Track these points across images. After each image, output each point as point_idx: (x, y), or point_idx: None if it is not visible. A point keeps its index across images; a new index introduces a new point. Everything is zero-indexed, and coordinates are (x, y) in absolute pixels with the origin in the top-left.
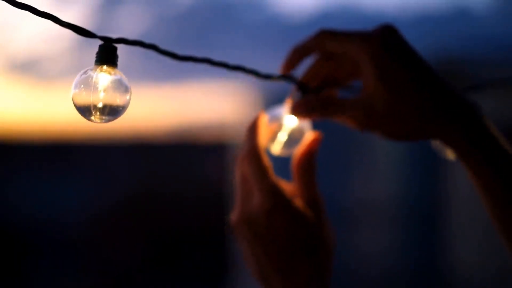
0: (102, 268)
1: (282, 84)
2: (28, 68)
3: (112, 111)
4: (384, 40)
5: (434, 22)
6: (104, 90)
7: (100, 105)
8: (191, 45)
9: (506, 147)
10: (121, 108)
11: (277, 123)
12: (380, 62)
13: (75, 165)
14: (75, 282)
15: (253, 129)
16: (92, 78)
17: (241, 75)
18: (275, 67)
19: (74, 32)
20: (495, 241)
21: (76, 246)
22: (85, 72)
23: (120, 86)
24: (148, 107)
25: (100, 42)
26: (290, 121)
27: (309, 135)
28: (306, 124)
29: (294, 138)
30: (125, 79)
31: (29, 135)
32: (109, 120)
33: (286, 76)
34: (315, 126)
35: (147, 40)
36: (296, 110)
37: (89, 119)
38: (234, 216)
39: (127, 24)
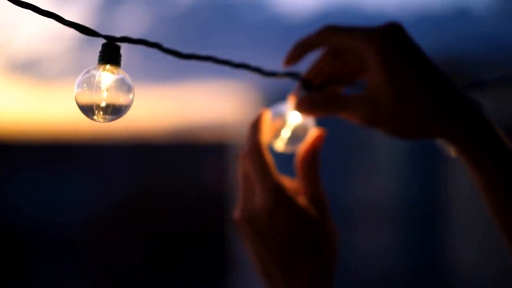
0: (102, 268)
1: (282, 84)
2: (28, 68)
3: (115, 111)
4: (390, 37)
5: (434, 22)
6: (107, 90)
7: (103, 104)
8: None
9: (509, 146)
10: (124, 108)
11: (281, 120)
12: (386, 59)
13: (75, 165)
14: (75, 282)
15: (255, 126)
16: (95, 77)
17: (241, 75)
18: (275, 67)
19: (77, 31)
20: (495, 241)
21: (76, 246)
22: (88, 71)
23: (123, 86)
24: (148, 107)
25: (103, 41)
26: (293, 118)
27: (313, 132)
28: (310, 120)
29: (297, 135)
30: (128, 78)
31: (29, 135)
32: (112, 120)
33: (290, 74)
34: (315, 125)
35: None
36: (300, 107)
37: (92, 119)
38: (236, 213)
39: (127, 24)
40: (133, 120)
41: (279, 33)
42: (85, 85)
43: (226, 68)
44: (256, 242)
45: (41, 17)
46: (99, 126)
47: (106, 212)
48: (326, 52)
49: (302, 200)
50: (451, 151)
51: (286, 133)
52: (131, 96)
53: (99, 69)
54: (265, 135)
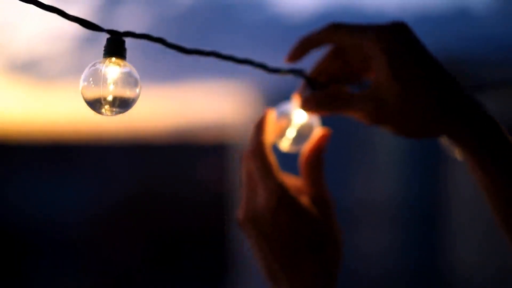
0: (102, 268)
1: (283, 84)
2: (28, 68)
3: (122, 104)
4: (396, 35)
5: (434, 22)
6: (114, 83)
7: (110, 97)
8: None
9: None
10: (131, 101)
11: (286, 119)
12: (392, 56)
13: (75, 165)
14: (75, 282)
15: (259, 126)
16: (101, 70)
17: (241, 75)
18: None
19: (81, 25)
20: (495, 241)
21: (76, 246)
22: (93, 65)
23: (130, 78)
24: (148, 107)
25: (103, 39)
26: (298, 117)
27: (318, 131)
28: (315, 120)
29: (302, 134)
30: (135, 72)
31: (29, 135)
32: (119, 113)
33: (294, 71)
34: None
35: (148, 43)
36: (306, 105)
37: (99, 112)
38: (239, 214)
39: (127, 24)
40: (133, 120)
41: (279, 33)
42: (91, 78)
43: (226, 68)
44: (260, 242)
45: (41, 17)
46: (99, 126)
47: (106, 212)
48: (330, 50)
49: (305, 199)
50: (455, 152)
51: (290, 133)
52: (138, 89)
53: (104, 62)
54: (269, 135)
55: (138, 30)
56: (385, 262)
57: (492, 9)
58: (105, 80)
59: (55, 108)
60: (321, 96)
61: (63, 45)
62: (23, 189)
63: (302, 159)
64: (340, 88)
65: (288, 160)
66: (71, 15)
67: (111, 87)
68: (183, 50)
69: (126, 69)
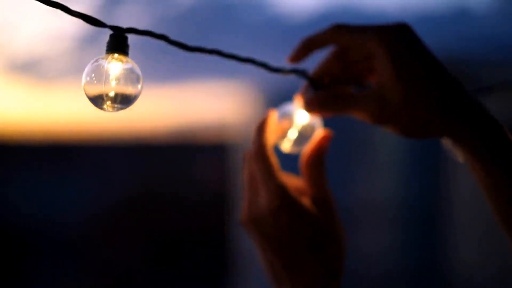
0: (102, 268)
1: (283, 84)
2: (28, 68)
3: (124, 100)
4: (399, 36)
5: (435, 22)
6: (116, 79)
7: (112, 93)
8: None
9: None
10: (133, 97)
11: (288, 120)
12: (395, 57)
13: (75, 165)
14: (75, 282)
15: (261, 127)
16: (103, 66)
17: (241, 75)
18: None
19: (84, 21)
20: (495, 241)
21: (76, 246)
22: (96, 61)
23: (132, 75)
24: (149, 107)
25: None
26: (300, 118)
27: (320, 132)
28: (316, 121)
29: (305, 135)
30: (137, 68)
31: (29, 135)
32: (121, 109)
33: (296, 71)
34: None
35: (149, 43)
36: (308, 106)
37: (101, 108)
38: (242, 215)
39: (127, 25)
40: (134, 120)
41: (280, 33)
42: (93, 74)
43: (227, 68)
44: (262, 243)
45: (41, 17)
46: (99, 126)
47: (106, 212)
48: (333, 51)
49: (306, 200)
50: (457, 154)
51: (293, 134)
52: (139, 85)
53: (107, 58)
54: (271, 136)
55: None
56: (385, 262)
57: (492, 9)
58: (107, 76)
59: (55, 108)
60: (324, 96)
61: (63, 45)
62: (23, 189)
63: (303, 159)
64: (342, 88)
65: (290, 160)
66: (74, 11)
67: (113, 83)
68: (185, 47)
69: (129, 66)
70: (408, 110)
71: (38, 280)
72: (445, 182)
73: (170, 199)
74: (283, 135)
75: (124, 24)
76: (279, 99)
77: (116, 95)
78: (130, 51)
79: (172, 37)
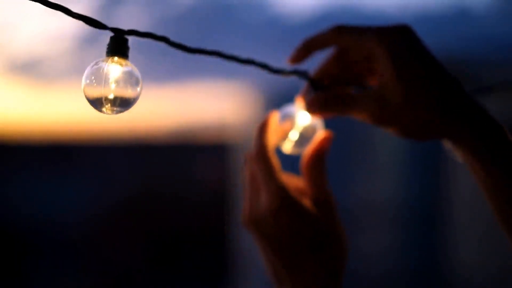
0: (102, 268)
1: (283, 85)
2: (28, 68)
3: (123, 103)
4: (400, 37)
5: (434, 22)
6: (116, 82)
7: (111, 96)
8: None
9: None
10: (132, 100)
11: (289, 122)
12: (396, 57)
13: (75, 165)
14: (75, 282)
15: (262, 128)
16: (103, 69)
17: (241, 76)
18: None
19: (85, 23)
20: (495, 241)
21: (76, 246)
22: (96, 63)
23: (132, 78)
24: (149, 107)
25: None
26: (302, 119)
27: (320, 134)
28: (318, 122)
29: (305, 137)
30: (136, 71)
31: (29, 135)
32: (120, 112)
33: (297, 72)
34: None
35: (149, 43)
36: (309, 107)
37: (100, 111)
38: (243, 215)
39: (126, 25)
40: (134, 120)
41: (280, 33)
42: (93, 77)
43: (227, 69)
44: (263, 243)
45: (41, 18)
46: (99, 126)
47: (106, 212)
48: (333, 52)
49: (307, 201)
50: (457, 154)
51: (294, 135)
52: (139, 88)
53: (107, 61)
54: (272, 137)
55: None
56: (385, 262)
57: (492, 9)
58: (107, 79)
59: (55, 108)
60: (324, 97)
61: (63, 45)
62: (23, 189)
63: (304, 160)
64: (343, 89)
65: (291, 161)
66: (75, 13)
67: (112, 86)
68: (186, 49)
69: (128, 69)
70: (408, 110)
71: (38, 280)
72: (445, 183)
73: (170, 199)
74: (285, 136)
75: (124, 24)
76: (279, 99)
77: (116, 98)
78: (131, 51)
79: (172, 37)
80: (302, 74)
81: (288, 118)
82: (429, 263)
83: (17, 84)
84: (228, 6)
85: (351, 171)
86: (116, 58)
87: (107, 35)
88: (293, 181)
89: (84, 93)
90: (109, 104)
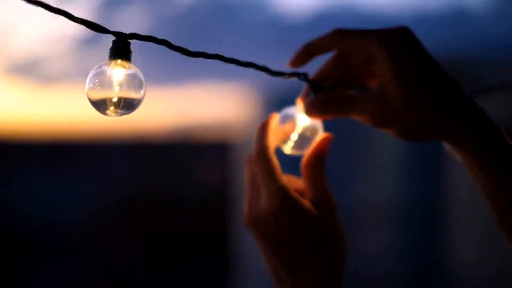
0: (102, 268)
1: (283, 86)
2: (29, 69)
3: (127, 105)
4: (400, 38)
5: (433, 23)
6: (119, 84)
7: (115, 99)
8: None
9: None
10: (136, 102)
11: (290, 123)
12: (396, 60)
13: (75, 165)
14: (75, 282)
15: (263, 129)
16: (106, 72)
17: (241, 78)
18: (274, 67)
19: (87, 27)
20: (495, 241)
21: (76, 246)
22: (99, 67)
23: (135, 80)
24: (149, 107)
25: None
26: (302, 121)
27: (321, 135)
28: (318, 123)
29: (306, 138)
30: (139, 74)
31: (29, 135)
32: (124, 114)
33: (297, 74)
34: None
35: (151, 45)
36: (309, 109)
37: (105, 114)
38: (243, 216)
39: (126, 26)
40: (134, 120)
41: (279, 33)
42: (96, 80)
43: (227, 71)
44: (263, 243)
45: (41, 19)
46: (100, 126)
47: (106, 212)
48: (333, 55)
49: (307, 202)
50: (456, 155)
51: (294, 136)
52: (142, 91)
53: (110, 64)
54: (273, 139)
55: (137, 32)
56: (385, 262)
57: (491, 10)
58: (110, 82)
59: (55, 109)
60: (324, 99)
61: (63, 46)
62: (23, 189)
63: (304, 161)
64: (343, 91)
65: (291, 162)
66: (77, 17)
67: (116, 89)
68: (187, 53)
69: (131, 71)
70: (408, 111)
71: (38, 280)
72: (444, 183)
73: (171, 199)
74: (285, 137)
75: (124, 24)
76: (278, 101)
77: (119, 100)
78: (133, 54)
79: (172, 37)
80: (302, 76)
81: (289, 120)
82: (428, 263)
83: (17, 84)
84: (227, 5)
85: (351, 171)
86: (119, 61)
87: (107, 36)
88: (293, 182)
89: (88, 96)
90: (113, 107)
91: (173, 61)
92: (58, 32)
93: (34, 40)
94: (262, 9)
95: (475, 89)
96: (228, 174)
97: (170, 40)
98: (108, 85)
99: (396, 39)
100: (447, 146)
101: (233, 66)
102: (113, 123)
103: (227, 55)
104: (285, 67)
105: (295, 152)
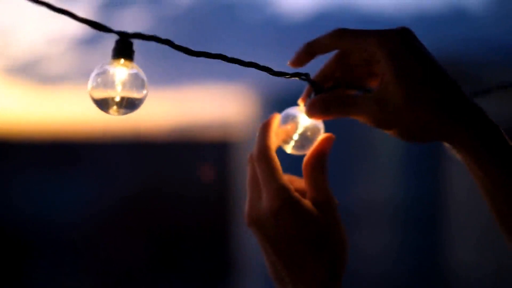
0: (102, 268)
1: (284, 86)
2: (29, 69)
3: (129, 104)
4: (401, 39)
5: (432, 23)
6: (122, 84)
7: (117, 98)
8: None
9: None
10: (138, 102)
11: (291, 123)
12: (397, 60)
13: (76, 164)
14: (75, 282)
15: (264, 129)
16: (109, 72)
17: (243, 78)
18: (273, 66)
19: (90, 27)
20: (493, 241)
21: (76, 246)
22: (102, 66)
23: (137, 80)
24: (150, 107)
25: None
26: (304, 121)
27: (322, 135)
28: (320, 123)
29: (307, 138)
30: (142, 73)
31: (29, 135)
32: (126, 113)
33: (299, 74)
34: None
35: (152, 45)
36: (310, 109)
37: (107, 113)
38: (244, 216)
39: (127, 26)
40: (135, 119)
41: (278, 32)
42: (99, 79)
43: (229, 71)
44: (265, 244)
45: (41, 19)
46: (100, 125)
47: (107, 212)
48: (334, 55)
49: (308, 202)
50: (457, 156)
51: (296, 136)
52: (145, 90)
53: (113, 64)
54: (274, 139)
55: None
56: (385, 262)
57: (489, 11)
58: (113, 81)
59: (55, 108)
60: (325, 99)
61: (64, 46)
62: (24, 188)
63: (305, 161)
64: (344, 91)
65: (293, 162)
66: (81, 17)
67: (119, 88)
68: (190, 52)
69: (134, 71)
70: (409, 112)
71: (38, 280)
72: (443, 183)
73: (171, 198)
74: (287, 137)
75: (124, 24)
76: (279, 101)
77: (122, 100)
78: (136, 53)
79: (172, 36)
80: (303, 76)
81: (290, 120)
82: (428, 263)
83: (17, 84)
84: (227, 5)
85: (351, 171)
86: (122, 61)
87: (108, 35)
88: (295, 182)
89: (91, 96)
90: (115, 106)
91: (173, 61)
92: (58, 32)
93: (34, 40)
94: (261, 9)
95: (474, 90)
96: (228, 173)
97: (171, 40)
98: (111, 84)
99: (397, 39)
100: (447, 146)
101: (234, 66)
102: (114, 123)
103: (226, 54)
104: (285, 66)
105: (297, 152)
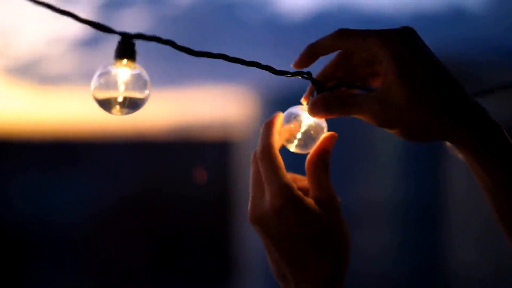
0: (102, 268)
1: (285, 86)
2: (30, 69)
3: (132, 104)
4: (403, 39)
5: (432, 23)
6: (124, 84)
7: (120, 98)
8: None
9: None
10: (141, 102)
11: (294, 122)
12: (400, 60)
13: (76, 164)
14: (75, 282)
15: (267, 128)
16: (112, 72)
17: (245, 77)
18: (275, 66)
19: (93, 28)
20: (494, 241)
21: (76, 246)
22: (104, 67)
23: (140, 80)
24: (152, 107)
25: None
26: (307, 120)
27: (325, 134)
28: (323, 122)
29: (310, 137)
30: (144, 74)
31: (30, 134)
32: (129, 113)
33: (301, 73)
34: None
35: (153, 45)
36: (313, 108)
37: (110, 112)
38: (248, 214)
39: (127, 26)
40: (136, 119)
41: (278, 32)
42: (102, 80)
43: (230, 70)
44: (268, 242)
45: (42, 19)
46: (101, 125)
47: (107, 211)
48: (337, 55)
49: (311, 200)
50: (458, 153)
51: (299, 135)
52: (147, 90)
53: (115, 64)
54: (277, 137)
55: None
56: (385, 262)
57: (489, 11)
58: (116, 81)
59: (55, 108)
60: (328, 98)
61: (63, 47)
62: (24, 188)
63: (308, 160)
64: (346, 90)
65: (296, 161)
66: (83, 19)
67: (121, 89)
68: (191, 53)
69: (137, 71)
70: (411, 111)
71: (38, 280)
72: (443, 183)
73: (172, 198)
74: (290, 136)
75: (124, 26)
76: (280, 100)
77: (125, 100)
78: (138, 54)
79: (173, 36)
80: (305, 75)
81: (294, 119)
82: (428, 263)
83: (18, 84)
84: (227, 5)
85: (351, 171)
86: (124, 61)
87: (109, 36)
88: (298, 180)
89: (94, 96)
90: (118, 106)
91: (173, 61)
92: (59, 33)
93: (35, 41)
94: (261, 8)
95: (474, 90)
96: (229, 173)
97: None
98: (114, 85)
99: (400, 39)
100: (449, 146)
101: (234, 66)
102: (114, 122)
103: (226, 53)
104: (285, 65)
105: (300, 151)
